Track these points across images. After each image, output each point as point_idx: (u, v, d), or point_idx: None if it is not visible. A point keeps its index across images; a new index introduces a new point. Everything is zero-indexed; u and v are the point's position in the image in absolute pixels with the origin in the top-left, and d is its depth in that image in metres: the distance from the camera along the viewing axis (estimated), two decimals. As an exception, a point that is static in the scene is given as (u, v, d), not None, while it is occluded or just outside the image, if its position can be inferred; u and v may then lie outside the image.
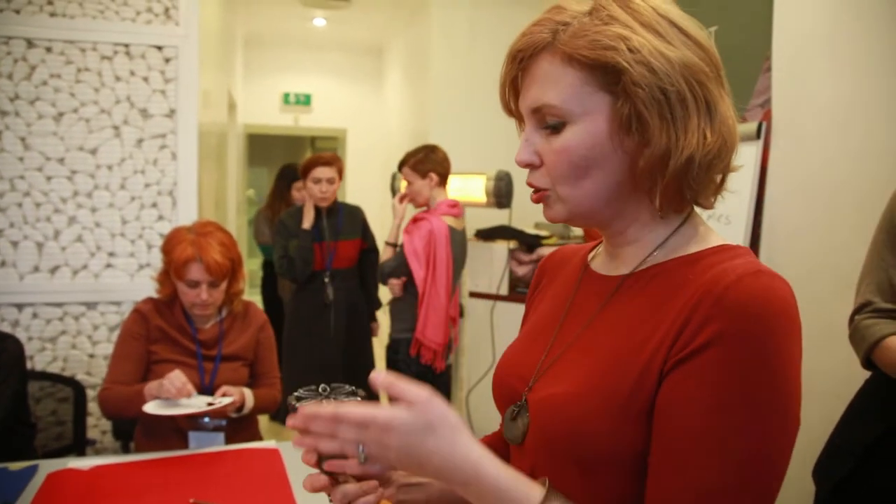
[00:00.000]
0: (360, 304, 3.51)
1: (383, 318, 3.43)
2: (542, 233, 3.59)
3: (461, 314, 3.67)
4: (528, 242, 3.54)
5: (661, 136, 0.71)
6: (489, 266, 3.69)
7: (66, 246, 2.76)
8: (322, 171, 3.27)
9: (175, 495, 1.63)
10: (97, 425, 2.78)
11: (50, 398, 2.50)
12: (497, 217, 3.81)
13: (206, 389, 2.06)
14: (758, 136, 2.26)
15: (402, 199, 3.17)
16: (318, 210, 3.34)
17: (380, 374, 0.70)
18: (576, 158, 0.74)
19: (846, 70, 2.02)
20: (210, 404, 1.93)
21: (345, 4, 5.50)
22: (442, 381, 3.18)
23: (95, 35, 2.75)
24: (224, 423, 2.06)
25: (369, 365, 3.52)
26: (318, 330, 3.35)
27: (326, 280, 3.35)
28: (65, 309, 2.77)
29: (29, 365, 2.60)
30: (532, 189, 0.80)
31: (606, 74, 0.71)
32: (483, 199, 3.58)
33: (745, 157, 2.28)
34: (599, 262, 0.86)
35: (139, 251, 2.83)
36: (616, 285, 0.80)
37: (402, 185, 3.22)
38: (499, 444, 0.94)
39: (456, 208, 3.12)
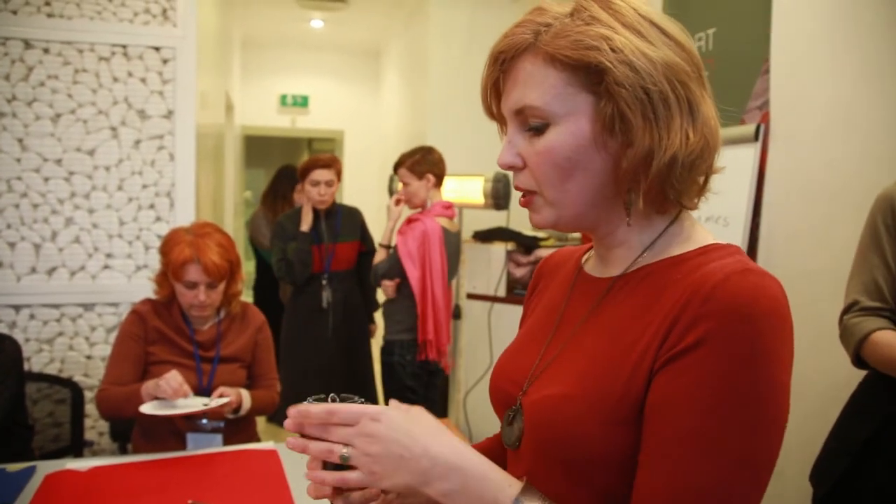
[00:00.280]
0: (359, 306, 3.50)
1: (381, 320, 3.43)
2: (540, 234, 3.59)
3: (458, 315, 3.68)
4: (526, 244, 3.54)
5: (644, 136, 0.70)
6: (487, 268, 3.70)
7: (64, 247, 2.76)
8: (320, 174, 3.25)
9: (173, 496, 1.63)
10: (94, 427, 2.77)
11: (47, 400, 2.50)
12: (495, 219, 3.81)
13: (204, 391, 2.06)
14: (756, 138, 2.26)
15: (397, 202, 3.16)
16: (316, 212, 3.33)
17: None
18: (559, 160, 0.74)
19: (845, 72, 2.03)
20: (207, 405, 1.93)
21: (342, 6, 5.51)
22: (435, 383, 3.18)
23: (93, 36, 2.74)
24: (222, 424, 2.06)
25: (368, 367, 3.52)
26: (315, 333, 3.34)
27: (324, 283, 3.34)
28: (62, 310, 2.77)
29: (26, 366, 2.59)
30: (521, 193, 0.80)
31: (589, 74, 0.71)
32: (481, 200, 3.58)
33: (744, 159, 2.29)
34: (592, 264, 0.86)
35: (137, 252, 2.83)
36: (607, 287, 0.80)
37: (399, 187, 3.22)
38: (495, 447, 0.94)
39: (450, 209, 3.13)
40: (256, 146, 8.20)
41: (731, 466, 0.64)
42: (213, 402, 1.94)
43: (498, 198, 3.51)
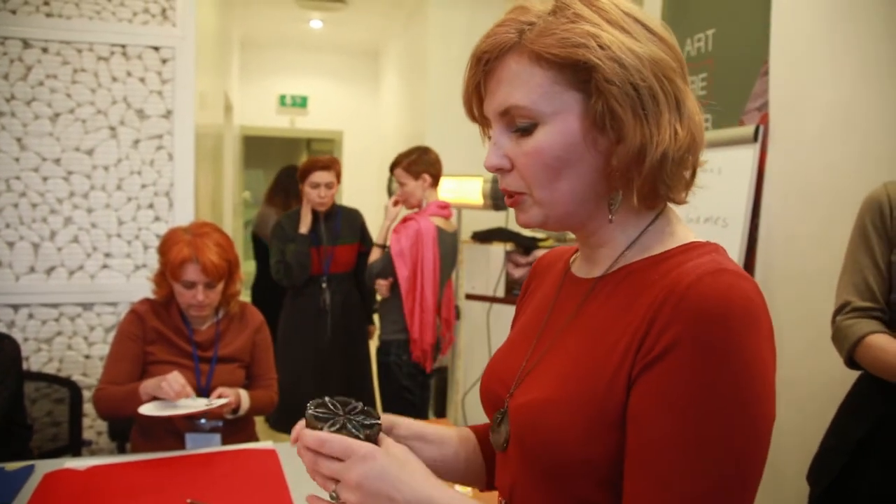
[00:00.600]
0: (357, 308, 3.49)
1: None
2: (539, 235, 3.60)
3: (457, 316, 3.68)
4: (525, 245, 3.54)
5: (635, 132, 0.70)
6: (485, 268, 3.70)
7: (63, 247, 2.75)
8: (320, 176, 3.20)
9: (172, 496, 1.63)
10: (93, 426, 2.77)
11: (46, 399, 2.49)
12: (493, 219, 3.81)
13: (203, 391, 2.05)
14: (755, 139, 2.26)
15: (396, 203, 3.16)
16: (315, 214, 3.30)
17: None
18: (549, 160, 0.73)
19: (844, 73, 2.03)
20: (206, 405, 1.93)
21: (341, 6, 5.51)
22: (429, 384, 3.18)
23: (92, 36, 2.74)
24: (220, 424, 2.06)
25: (366, 369, 3.51)
26: (314, 335, 3.31)
27: (324, 285, 3.31)
28: (61, 310, 2.77)
29: (25, 366, 2.59)
30: (506, 194, 0.79)
31: (577, 72, 0.71)
32: (480, 201, 3.58)
33: (743, 160, 2.29)
34: (578, 264, 0.86)
35: (135, 252, 2.83)
36: (589, 288, 0.79)
37: (398, 188, 3.22)
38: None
39: (446, 209, 3.12)
40: (255, 146, 8.20)
41: (717, 470, 0.63)
42: (213, 402, 1.94)
43: (497, 198, 3.51)
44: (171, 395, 1.87)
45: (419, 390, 3.08)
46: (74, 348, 2.78)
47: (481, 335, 3.67)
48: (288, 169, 4.63)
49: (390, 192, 3.43)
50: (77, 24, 2.72)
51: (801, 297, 2.13)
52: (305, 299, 3.33)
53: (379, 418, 0.77)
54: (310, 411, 0.75)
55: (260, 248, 4.55)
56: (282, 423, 3.33)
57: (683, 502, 0.63)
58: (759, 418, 0.64)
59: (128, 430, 2.26)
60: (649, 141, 0.70)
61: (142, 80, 2.81)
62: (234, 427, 2.09)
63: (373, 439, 0.74)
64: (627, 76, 0.69)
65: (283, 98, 7.21)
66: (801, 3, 2.18)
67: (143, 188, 2.83)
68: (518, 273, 3.56)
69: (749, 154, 2.27)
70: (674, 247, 0.75)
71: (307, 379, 3.27)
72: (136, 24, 2.79)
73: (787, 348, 2.15)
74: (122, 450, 2.45)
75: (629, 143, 0.70)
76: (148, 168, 2.83)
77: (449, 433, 0.94)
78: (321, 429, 0.73)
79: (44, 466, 1.78)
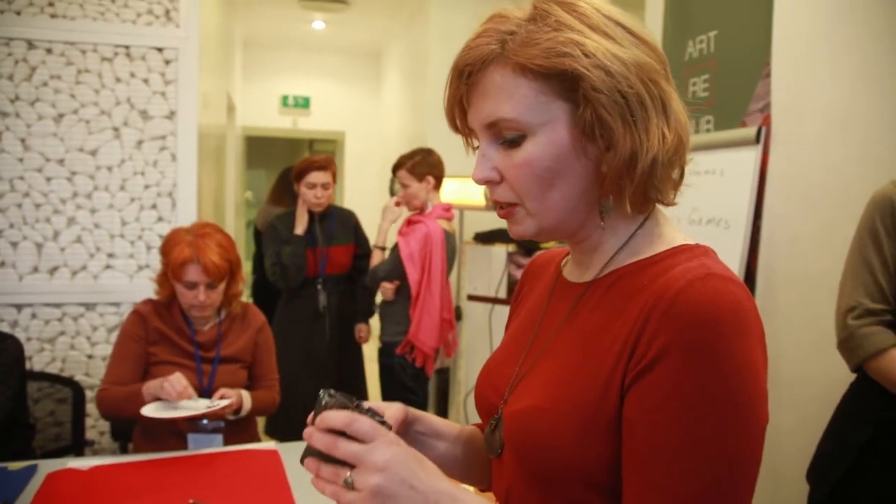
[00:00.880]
0: (353, 310, 3.42)
1: (376, 324, 3.39)
2: (541, 236, 3.60)
3: (459, 317, 3.68)
4: (527, 246, 3.54)
5: (625, 139, 0.70)
6: (487, 269, 3.70)
7: (66, 247, 2.76)
8: (317, 176, 3.16)
9: (174, 496, 1.63)
10: (95, 426, 2.78)
11: (48, 399, 2.50)
12: (496, 220, 3.81)
13: (205, 391, 2.06)
14: (757, 140, 2.26)
15: (398, 204, 3.15)
16: (310, 215, 3.25)
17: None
18: (540, 171, 0.72)
19: (846, 74, 2.03)
20: (208, 406, 1.93)
21: (343, 7, 5.52)
22: (434, 385, 3.18)
23: (96, 36, 2.75)
24: (222, 424, 2.06)
25: (360, 372, 3.47)
26: (311, 337, 3.26)
27: (319, 287, 3.26)
28: (64, 310, 2.77)
29: (28, 365, 2.60)
30: (498, 205, 0.78)
31: (563, 82, 0.70)
32: (482, 202, 3.59)
33: (745, 162, 2.29)
34: (569, 268, 0.85)
35: (138, 252, 2.84)
36: (580, 293, 0.79)
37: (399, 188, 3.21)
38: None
39: (449, 212, 3.13)
40: (258, 147, 8.21)
41: (712, 477, 0.63)
42: (215, 403, 1.94)
43: (499, 200, 3.50)
44: (173, 396, 1.87)
45: (422, 391, 3.08)
46: (77, 348, 2.79)
47: (483, 336, 3.67)
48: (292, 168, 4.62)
49: (392, 193, 3.42)
50: (81, 25, 2.73)
51: (804, 298, 2.13)
52: (302, 301, 3.27)
53: (385, 419, 0.76)
54: (328, 398, 0.72)
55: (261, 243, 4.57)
56: (277, 426, 3.24)
57: None
58: (751, 420, 0.64)
59: (130, 430, 2.27)
60: (639, 147, 0.70)
61: (145, 80, 2.81)
62: (236, 427, 2.10)
63: None
64: (615, 84, 0.69)
65: (285, 99, 7.22)
66: (803, 5, 2.18)
67: (147, 189, 2.83)
68: (520, 274, 3.56)
69: (751, 156, 2.27)
70: (663, 250, 0.75)
71: (304, 382, 3.23)
72: (139, 25, 2.80)
73: (788, 350, 2.16)
74: (124, 450, 2.46)
75: (619, 150, 0.70)
76: (151, 168, 2.83)
77: (456, 430, 0.95)
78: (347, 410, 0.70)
79: (47, 466, 1.79)
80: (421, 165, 3.02)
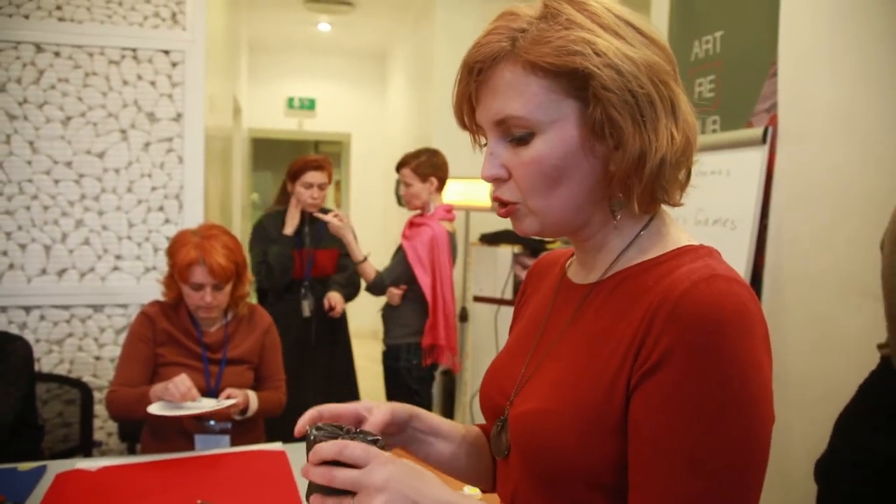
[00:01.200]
0: (340, 315, 3.26)
1: (379, 326, 3.33)
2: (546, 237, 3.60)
3: (465, 318, 3.69)
4: (533, 247, 3.54)
5: (634, 139, 0.70)
6: (493, 270, 3.70)
7: (74, 249, 2.78)
8: (314, 176, 3.06)
9: (181, 496, 1.64)
10: (103, 427, 2.79)
11: (57, 400, 2.51)
12: (501, 221, 3.80)
13: (212, 392, 2.07)
14: (763, 140, 2.26)
15: (337, 215, 2.99)
16: (301, 215, 3.14)
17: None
18: (548, 169, 0.72)
19: (853, 74, 2.03)
20: (214, 406, 1.94)
21: (349, 10, 5.53)
22: (440, 386, 3.18)
23: (103, 40, 2.77)
24: (229, 425, 2.07)
25: (350, 375, 3.37)
26: (298, 340, 3.13)
27: (304, 290, 3.15)
28: (72, 311, 2.79)
29: (36, 367, 2.61)
30: (499, 203, 0.78)
31: (573, 80, 0.70)
32: (487, 203, 3.58)
33: (751, 161, 2.29)
34: (574, 269, 0.85)
35: (146, 254, 2.85)
36: (584, 294, 0.79)
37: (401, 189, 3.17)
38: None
39: (451, 213, 3.12)
40: (264, 149, 8.23)
41: (719, 477, 0.63)
42: (221, 403, 1.95)
43: (505, 201, 3.50)
44: (177, 397, 1.88)
45: (427, 393, 3.09)
46: (85, 350, 2.80)
47: (489, 337, 3.67)
48: None
49: (397, 195, 3.39)
50: (88, 29, 2.75)
51: (810, 298, 2.13)
52: (287, 304, 3.15)
53: (378, 437, 0.75)
54: (315, 432, 0.73)
55: None
56: (278, 432, 3.19)
57: None
58: (756, 420, 0.64)
59: (138, 431, 2.28)
60: (648, 147, 0.70)
61: (152, 83, 2.83)
62: (243, 428, 2.10)
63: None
64: (625, 83, 0.69)
65: (291, 101, 7.24)
66: (810, 4, 2.18)
67: (154, 191, 2.85)
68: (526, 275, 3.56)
69: (758, 156, 2.27)
70: (668, 251, 0.75)
71: (293, 385, 3.16)
72: (146, 28, 2.81)
73: (795, 349, 2.15)
74: (132, 451, 2.47)
75: (629, 150, 0.70)
76: (158, 171, 2.85)
77: (461, 431, 0.95)
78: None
79: (56, 467, 1.80)
80: (425, 166, 3.00)
